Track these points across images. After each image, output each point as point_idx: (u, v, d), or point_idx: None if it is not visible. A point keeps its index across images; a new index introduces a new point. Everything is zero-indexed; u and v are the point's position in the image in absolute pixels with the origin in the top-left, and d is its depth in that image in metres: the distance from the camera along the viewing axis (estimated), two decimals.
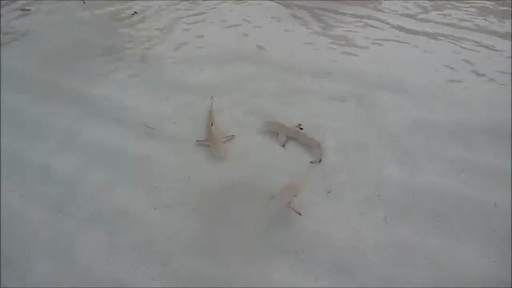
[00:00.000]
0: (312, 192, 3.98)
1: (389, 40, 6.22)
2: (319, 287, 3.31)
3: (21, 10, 7.21)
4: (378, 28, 6.56)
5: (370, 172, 4.14)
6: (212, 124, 4.58)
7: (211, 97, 5.07)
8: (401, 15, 6.95)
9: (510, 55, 5.79)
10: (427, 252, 3.49)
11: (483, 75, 5.42)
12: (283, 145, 4.49)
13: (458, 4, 7.19)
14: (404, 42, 6.18)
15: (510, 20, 6.61)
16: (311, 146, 4.42)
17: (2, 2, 7.46)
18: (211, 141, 4.42)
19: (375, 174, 4.11)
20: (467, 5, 7.14)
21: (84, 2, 7.38)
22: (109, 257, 3.56)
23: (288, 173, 4.15)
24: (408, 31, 6.48)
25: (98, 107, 5.05)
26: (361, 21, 6.75)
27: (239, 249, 3.55)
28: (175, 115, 4.86)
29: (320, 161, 4.26)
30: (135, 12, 7.13)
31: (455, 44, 6.08)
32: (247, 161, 4.31)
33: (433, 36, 6.32)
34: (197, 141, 4.51)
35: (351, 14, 6.99)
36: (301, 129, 4.57)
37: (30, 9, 7.21)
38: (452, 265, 3.41)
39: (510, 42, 6.07)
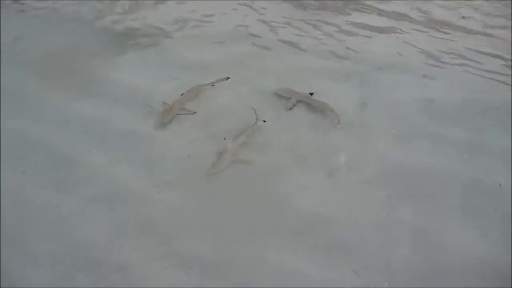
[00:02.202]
0: (312, 172, 3.95)
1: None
2: (319, 267, 3.31)
3: None
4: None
5: (372, 152, 4.11)
6: (182, 94, 4.67)
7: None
8: None
9: None
10: (428, 233, 3.48)
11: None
12: (290, 108, 4.57)
13: None
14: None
15: None
16: (325, 110, 4.48)
17: None
18: (166, 106, 4.55)
19: (378, 155, 4.08)
20: None
21: None
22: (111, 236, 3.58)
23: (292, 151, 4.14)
24: None
25: (102, 87, 5.02)
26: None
27: (240, 230, 3.56)
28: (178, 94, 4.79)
29: (339, 123, 4.33)
30: None
31: None
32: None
33: None
34: (163, 102, 4.61)
35: None
36: (311, 94, 4.65)
37: None
38: (453, 246, 3.40)
39: None
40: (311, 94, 4.68)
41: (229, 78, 4.91)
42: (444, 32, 5.87)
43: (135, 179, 3.97)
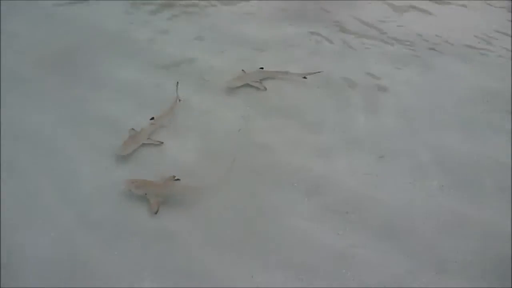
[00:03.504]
0: (365, 155, 3.93)
1: None
2: (366, 249, 3.32)
3: None
4: None
5: (428, 139, 4.03)
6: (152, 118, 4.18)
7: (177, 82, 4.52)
8: None
9: None
10: (482, 224, 3.40)
11: None
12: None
13: None
14: None
15: None
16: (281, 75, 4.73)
17: None
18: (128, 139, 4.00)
19: (434, 142, 4.00)
20: None
21: None
22: None
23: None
24: None
25: (158, 59, 5.14)
26: None
27: (286, 207, 3.60)
28: (229, 68, 4.84)
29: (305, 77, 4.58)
30: None
31: None
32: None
33: None
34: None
35: None
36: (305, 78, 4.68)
37: None
38: (506, 238, 3.30)
39: None
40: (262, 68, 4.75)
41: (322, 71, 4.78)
42: None
43: (186, 152, 4.04)
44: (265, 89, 4.60)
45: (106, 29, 5.69)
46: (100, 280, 2.98)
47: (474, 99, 4.43)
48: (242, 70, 4.77)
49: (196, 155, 3.99)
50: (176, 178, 3.67)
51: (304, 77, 4.72)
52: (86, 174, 3.74)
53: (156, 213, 3.42)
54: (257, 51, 5.17)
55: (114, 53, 5.26)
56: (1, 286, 3.11)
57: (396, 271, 3.13)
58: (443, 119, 4.25)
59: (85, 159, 3.88)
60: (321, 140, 4.09)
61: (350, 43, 5.47)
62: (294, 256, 3.25)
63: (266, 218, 3.51)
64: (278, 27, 5.69)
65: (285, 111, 4.37)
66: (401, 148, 4.00)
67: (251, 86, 4.60)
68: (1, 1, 6.15)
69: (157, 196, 3.49)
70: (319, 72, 4.72)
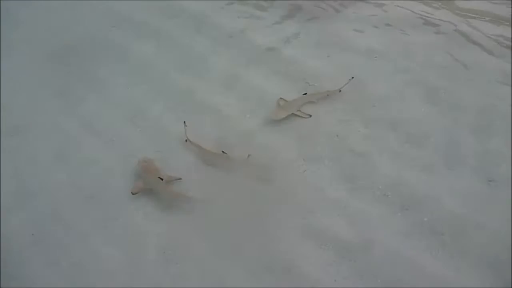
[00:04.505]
0: (470, 176, 3.68)
1: None
2: (460, 274, 3.10)
3: None
4: None
5: None
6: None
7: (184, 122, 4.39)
8: None
9: None
10: None
11: None
12: None
13: None
14: None
15: None
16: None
17: None
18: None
19: None
20: None
21: None
22: None
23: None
24: None
25: (261, 56, 5.29)
26: None
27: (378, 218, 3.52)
28: (334, 74, 4.83)
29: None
30: None
31: None
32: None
33: None
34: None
35: None
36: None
37: None
38: None
39: None
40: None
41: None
42: None
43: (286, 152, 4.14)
44: (310, 116, 4.41)
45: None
46: None
47: None
48: (281, 98, 4.58)
49: (291, 154, 4.08)
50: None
51: (340, 90, 4.52)
52: None
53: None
54: (368, 59, 5.05)
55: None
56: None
57: None
58: None
59: None
60: (424, 154, 3.90)
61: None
62: (379, 267, 3.19)
63: (355, 225, 3.47)
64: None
65: (387, 120, 4.23)
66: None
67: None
68: None
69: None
70: (351, 79, 4.51)
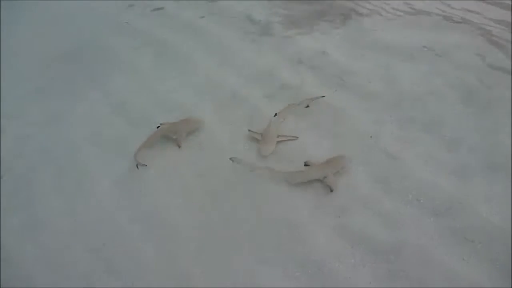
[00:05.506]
0: (506, 183, 3.65)
1: None
2: (491, 283, 3.12)
3: None
4: None
5: None
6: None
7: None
8: None
9: None
10: None
11: None
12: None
13: None
14: None
15: None
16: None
17: None
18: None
19: None
20: None
21: None
22: None
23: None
24: None
25: (295, 55, 5.37)
26: None
27: (410, 222, 3.55)
28: (369, 73, 4.83)
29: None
30: None
31: None
32: None
33: None
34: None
35: None
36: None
37: None
38: None
39: None
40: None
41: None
42: None
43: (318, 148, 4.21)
44: (297, 138, 4.29)
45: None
46: None
47: None
48: (249, 130, 4.38)
49: (325, 152, 4.14)
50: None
51: (307, 106, 4.50)
52: None
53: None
54: (399, 60, 5.03)
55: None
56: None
57: None
58: None
59: None
60: (459, 159, 3.88)
61: None
62: (411, 270, 3.25)
63: (388, 229, 3.52)
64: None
65: (422, 123, 4.22)
66: None
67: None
68: None
69: None
70: (320, 97, 4.54)
